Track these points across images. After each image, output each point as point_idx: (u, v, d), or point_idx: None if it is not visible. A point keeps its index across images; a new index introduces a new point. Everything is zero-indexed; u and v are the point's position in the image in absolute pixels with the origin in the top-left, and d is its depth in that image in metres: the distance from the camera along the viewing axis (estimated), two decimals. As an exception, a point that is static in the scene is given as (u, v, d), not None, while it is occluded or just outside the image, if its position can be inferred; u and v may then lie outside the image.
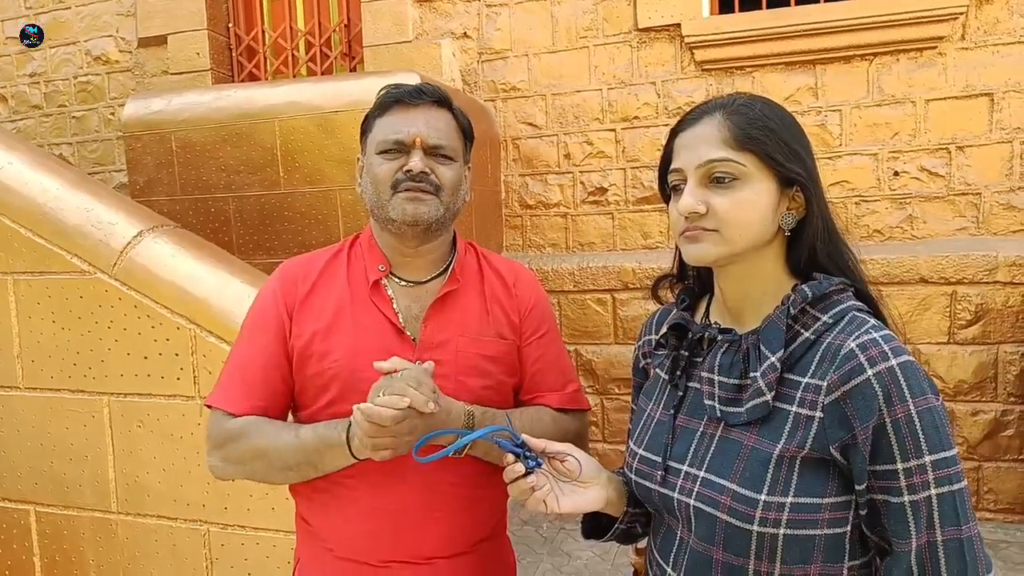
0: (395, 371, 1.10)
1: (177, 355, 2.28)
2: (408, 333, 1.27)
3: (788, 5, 3.74)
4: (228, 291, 2.29)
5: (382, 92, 1.32)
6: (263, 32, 4.64)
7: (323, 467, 1.21)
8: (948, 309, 3.46)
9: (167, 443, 2.32)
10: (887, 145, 3.66)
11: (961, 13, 3.46)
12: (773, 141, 0.95)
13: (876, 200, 3.70)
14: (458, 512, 1.27)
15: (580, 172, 4.13)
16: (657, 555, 1.05)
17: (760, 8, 3.81)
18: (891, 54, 3.61)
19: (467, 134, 1.36)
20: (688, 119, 1.01)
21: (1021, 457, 3.41)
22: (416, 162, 1.24)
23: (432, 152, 1.27)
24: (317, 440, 1.19)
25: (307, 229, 3.46)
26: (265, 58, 4.65)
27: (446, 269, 1.35)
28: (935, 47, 3.55)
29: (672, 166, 1.01)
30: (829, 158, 3.74)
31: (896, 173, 3.67)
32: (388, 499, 1.23)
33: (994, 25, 3.48)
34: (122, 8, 4.83)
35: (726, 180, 0.94)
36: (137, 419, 2.34)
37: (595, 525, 1.17)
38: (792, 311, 0.93)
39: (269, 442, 1.22)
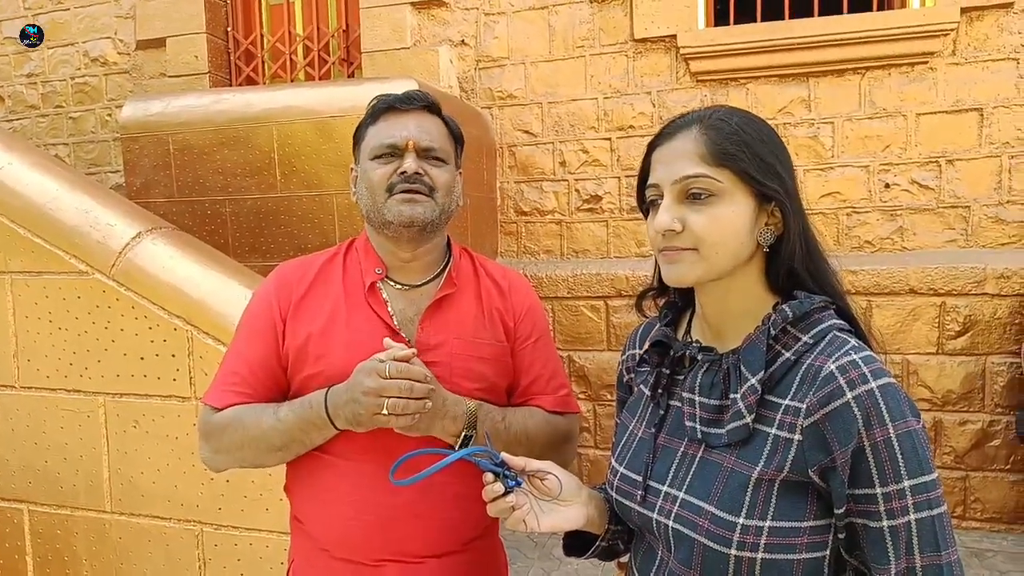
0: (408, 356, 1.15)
1: (173, 356, 2.30)
2: (403, 335, 1.29)
3: (783, 18, 3.79)
4: (225, 293, 2.30)
5: (372, 102, 1.35)
6: (262, 36, 4.66)
7: (311, 443, 1.25)
8: (937, 320, 3.50)
9: (162, 444, 2.33)
10: (878, 158, 3.71)
11: (952, 29, 3.51)
12: (750, 157, 0.92)
13: (867, 212, 3.75)
14: (450, 511, 1.28)
15: (575, 180, 4.16)
16: (637, 574, 1.04)
17: (755, 21, 3.86)
18: (883, 68, 3.66)
19: (457, 139, 1.39)
20: (665, 133, 0.99)
21: (1007, 467, 3.45)
22: (410, 163, 1.27)
23: (425, 154, 1.30)
24: (299, 421, 1.22)
25: (303, 233, 3.48)
26: (263, 62, 4.67)
27: (441, 272, 1.37)
28: (926, 62, 3.60)
29: (649, 181, 0.99)
30: (821, 170, 3.78)
31: (887, 185, 3.71)
32: (380, 498, 1.25)
33: (984, 41, 3.54)
34: (121, 10, 4.85)
35: (702, 196, 0.92)
36: (132, 419, 2.35)
37: (577, 542, 1.15)
38: (773, 331, 0.92)
39: (253, 428, 1.24)
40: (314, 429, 1.21)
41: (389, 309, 1.31)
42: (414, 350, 1.17)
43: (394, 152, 1.29)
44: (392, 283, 1.34)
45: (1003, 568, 3.15)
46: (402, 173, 1.27)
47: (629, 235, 4.09)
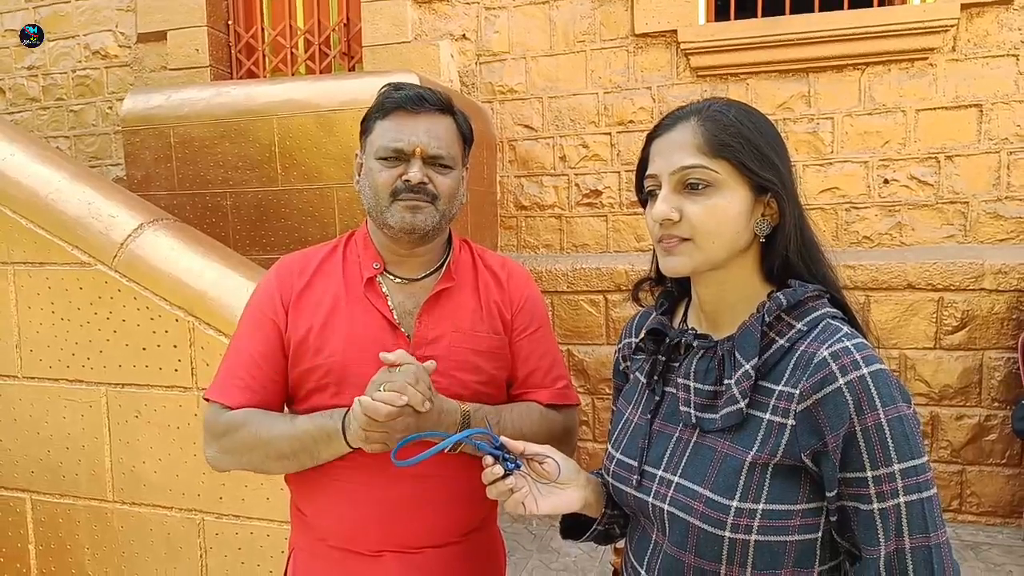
0: (398, 364, 1.12)
1: (175, 347, 2.31)
2: (402, 329, 1.29)
3: (783, 14, 3.79)
4: (226, 284, 2.31)
5: (383, 91, 1.33)
6: (262, 30, 4.66)
7: (319, 456, 1.23)
8: (935, 315, 3.51)
9: (164, 433, 2.35)
10: (878, 153, 3.72)
11: (952, 25, 3.52)
12: (746, 148, 0.94)
13: (866, 207, 3.76)
14: (448, 502, 1.29)
15: (575, 174, 4.17)
16: (632, 558, 1.06)
17: (755, 16, 3.86)
18: (883, 64, 3.67)
19: (467, 139, 1.38)
20: (664, 124, 1.00)
21: (1003, 461, 3.47)
22: (415, 172, 1.26)
23: (431, 161, 1.28)
24: (314, 429, 1.21)
25: (303, 226, 3.49)
26: (264, 56, 4.67)
27: (440, 266, 1.37)
28: (926, 58, 3.60)
29: (648, 171, 1.01)
30: (820, 165, 3.79)
31: (886, 181, 3.72)
32: (380, 489, 1.26)
33: (984, 38, 3.54)
34: (122, 3, 4.85)
35: (700, 187, 0.94)
36: (134, 409, 2.37)
37: (574, 526, 1.17)
38: (767, 319, 0.94)
39: (265, 432, 1.24)
40: (325, 439, 1.20)
41: (389, 303, 1.31)
42: (401, 352, 1.15)
43: (400, 156, 1.27)
44: (392, 277, 1.34)
45: (998, 561, 3.17)
46: (406, 180, 1.26)
47: (628, 230, 4.10)
